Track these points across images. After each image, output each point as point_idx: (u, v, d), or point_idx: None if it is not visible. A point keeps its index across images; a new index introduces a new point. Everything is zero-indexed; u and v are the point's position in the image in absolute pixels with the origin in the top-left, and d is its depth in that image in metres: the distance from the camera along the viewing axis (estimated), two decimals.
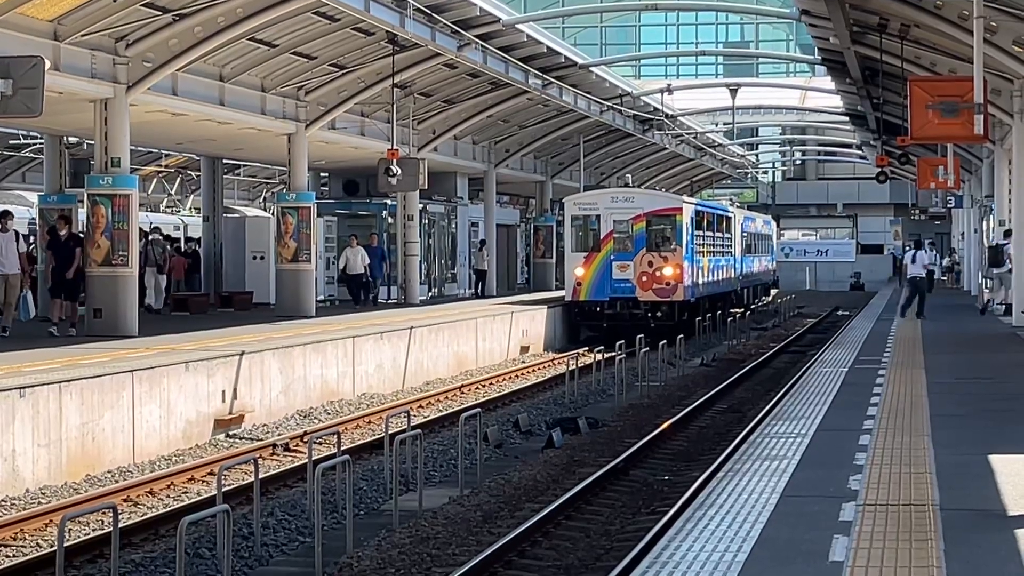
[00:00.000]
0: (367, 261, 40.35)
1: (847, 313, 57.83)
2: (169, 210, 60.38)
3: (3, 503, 17.41)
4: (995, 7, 24.60)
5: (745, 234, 59.25)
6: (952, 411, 17.79)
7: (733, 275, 54.67)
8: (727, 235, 53.41)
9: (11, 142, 48.80)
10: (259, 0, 27.63)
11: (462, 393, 30.65)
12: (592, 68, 44.38)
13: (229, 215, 45.75)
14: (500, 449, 23.06)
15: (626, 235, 43.23)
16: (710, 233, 49.17)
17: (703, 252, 47.00)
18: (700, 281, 46.12)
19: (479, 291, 49.48)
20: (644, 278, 42.81)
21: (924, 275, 38.25)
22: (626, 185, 50.03)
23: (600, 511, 17.55)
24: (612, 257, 43.06)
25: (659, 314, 42.72)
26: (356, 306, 39.29)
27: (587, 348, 37.96)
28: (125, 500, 17.85)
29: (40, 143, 41.81)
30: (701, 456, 21.87)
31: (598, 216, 43.65)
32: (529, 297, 47.83)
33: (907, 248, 42.29)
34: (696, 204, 48.60)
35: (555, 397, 30.03)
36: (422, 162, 36.92)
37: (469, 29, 33.74)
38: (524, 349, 39.57)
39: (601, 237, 43.38)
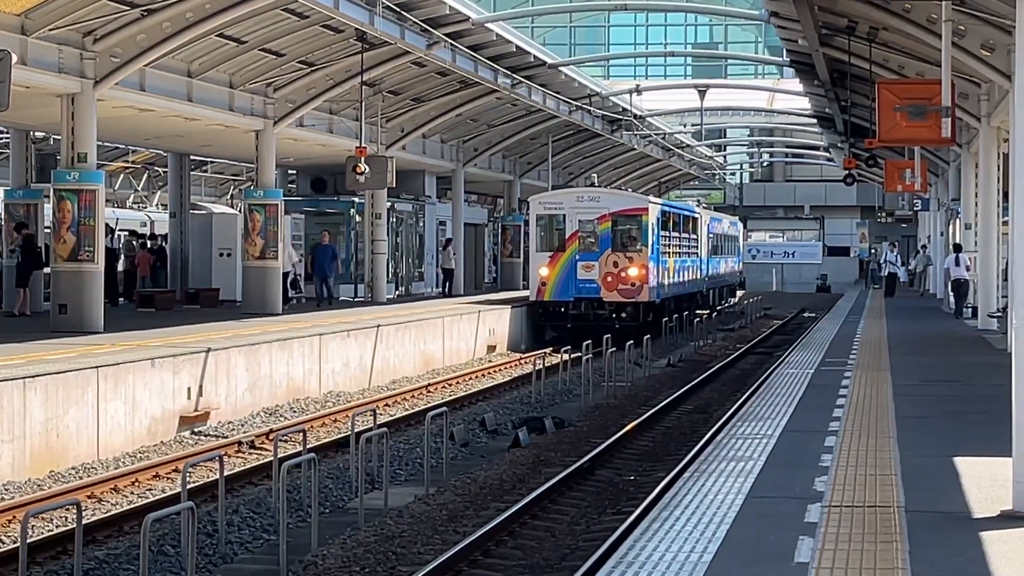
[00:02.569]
0: (294, 259, 39.46)
1: (813, 315, 57.98)
2: (136, 206, 60.19)
3: None
4: (963, 11, 24.67)
5: (711, 235, 59.17)
6: (918, 413, 17.86)
7: (699, 276, 54.60)
8: (693, 236, 53.27)
9: None
10: None
11: (428, 392, 30.62)
12: (561, 68, 44.37)
13: (196, 212, 45.62)
14: (466, 448, 23.05)
15: (591, 235, 43.02)
16: (676, 234, 48.99)
17: (669, 253, 46.82)
18: (665, 282, 45.98)
19: (446, 290, 49.43)
20: (609, 278, 42.63)
21: (966, 277, 38.73)
22: (592, 185, 49.78)
23: (566, 511, 17.55)
24: (577, 257, 42.83)
25: (624, 315, 42.57)
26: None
27: (552, 348, 37.92)
28: (89, 497, 17.77)
29: (6, 138, 41.60)
30: (667, 456, 21.89)
31: (563, 216, 43.42)
32: (496, 296, 47.79)
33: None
34: (662, 204, 48.31)
35: (521, 397, 30.02)
36: (390, 160, 36.84)
37: (438, 27, 33.72)
38: (491, 348, 39.55)
39: (566, 237, 43.16)
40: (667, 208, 48.80)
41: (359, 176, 34.68)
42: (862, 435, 15.67)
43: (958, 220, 43.86)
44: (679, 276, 49.07)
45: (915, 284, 58.05)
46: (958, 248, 39.45)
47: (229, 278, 40.29)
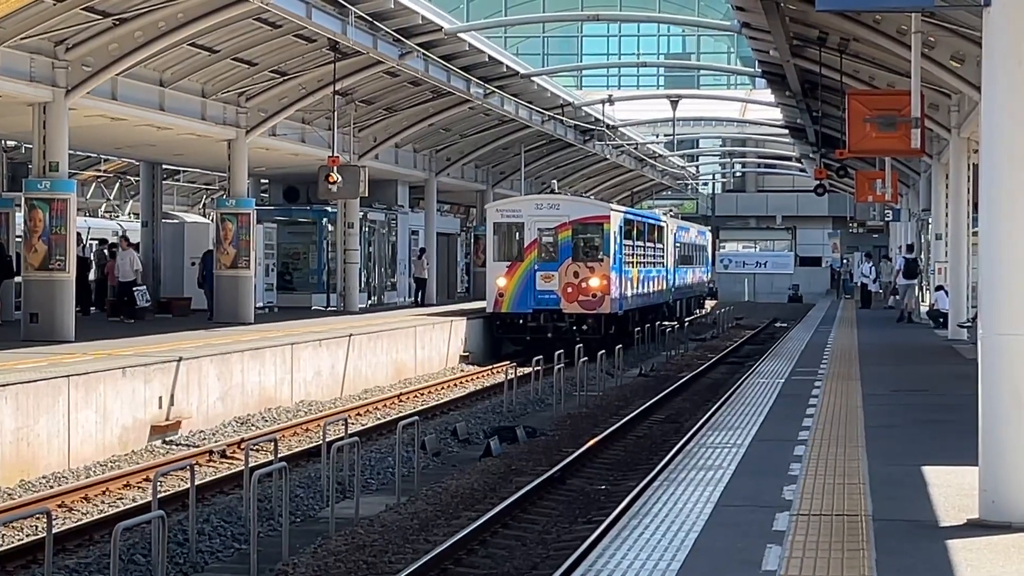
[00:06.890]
0: (137, 266, 36.72)
1: (785, 325, 58.03)
2: (108, 215, 60.04)
3: None
4: (933, 22, 24.81)
5: (678, 244, 57.92)
6: (886, 422, 17.94)
7: (665, 287, 53.23)
8: (659, 245, 52.00)
9: None
10: (200, 5, 27.55)
11: (400, 401, 30.62)
12: (534, 78, 44.43)
13: (168, 221, 45.55)
14: (438, 457, 23.06)
15: (551, 244, 41.63)
16: (640, 243, 47.77)
17: (632, 262, 45.61)
18: (629, 293, 44.77)
19: (419, 299, 49.41)
20: (569, 289, 41.18)
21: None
22: (552, 191, 48.77)
23: (537, 520, 17.59)
24: (536, 267, 41.34)
25: (585, 327, 40.96)
26: (125, 321, 34.73)
27: (511, 362, 36.93)
28: (60, 506, 17.75)
29: None
30: (638, 465, 21.94)
31: (522, 224, 41.91)
32: (469, 306, 47.73)
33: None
34: (625, 212, 47.04)
35: (493, 406, 30.02)
36: (363, 170, 36.79)
37: (411, 37, 33.75)
38: (463, 358, 39.49)
39: (525, 246, 41.71)
40: (630, 216, 47.70)
41: (331, 185, 34.63)
42: (831, 444, 15.74)
43: (929, 230, 44.03)
44: (643, 287, 47.89)
45: (885, 296, 58.02)
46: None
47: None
